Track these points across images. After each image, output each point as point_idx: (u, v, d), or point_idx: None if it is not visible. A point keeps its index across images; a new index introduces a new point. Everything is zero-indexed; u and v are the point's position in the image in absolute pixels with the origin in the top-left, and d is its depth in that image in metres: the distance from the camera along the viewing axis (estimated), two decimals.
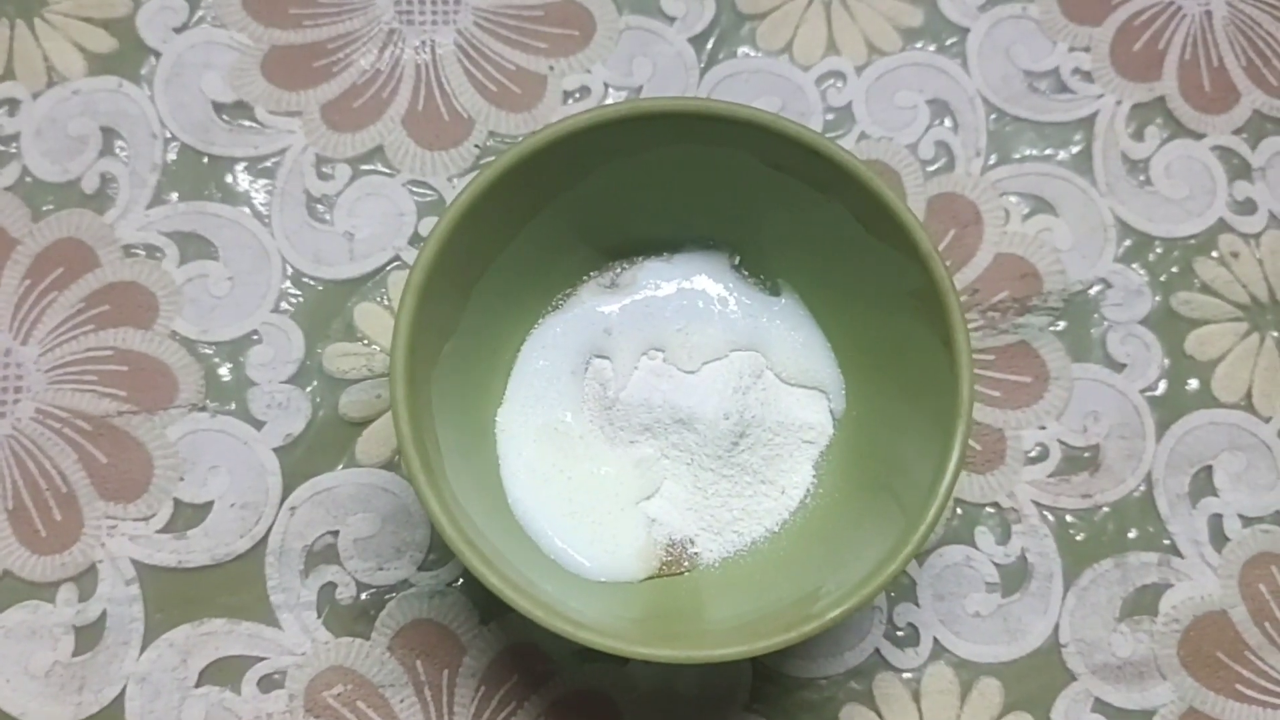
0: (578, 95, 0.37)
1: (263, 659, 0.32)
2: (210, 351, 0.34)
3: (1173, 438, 0.35)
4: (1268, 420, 0.35)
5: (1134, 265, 0.36)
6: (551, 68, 0.37)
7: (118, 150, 0.36)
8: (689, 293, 0.33)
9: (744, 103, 0.29)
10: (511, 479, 0.32)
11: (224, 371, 0.34)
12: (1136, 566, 0.34)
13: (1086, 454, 0.35)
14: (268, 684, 0.32)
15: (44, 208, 0.35)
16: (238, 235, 0.35)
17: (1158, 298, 0.36)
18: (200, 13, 0.37)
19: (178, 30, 0.37)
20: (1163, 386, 0.35)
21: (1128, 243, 0.36)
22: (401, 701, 0.32)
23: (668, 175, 0.31)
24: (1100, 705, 0.33)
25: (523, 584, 0.27)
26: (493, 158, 0.35)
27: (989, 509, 0.34)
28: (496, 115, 0.37)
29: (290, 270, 0.35)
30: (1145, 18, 0.39)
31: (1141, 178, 0.37)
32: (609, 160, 0.30)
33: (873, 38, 0.38)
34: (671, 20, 0.38)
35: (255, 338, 0.34)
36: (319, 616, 0.32)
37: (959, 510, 0.34)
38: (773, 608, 0.28)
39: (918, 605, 0.33)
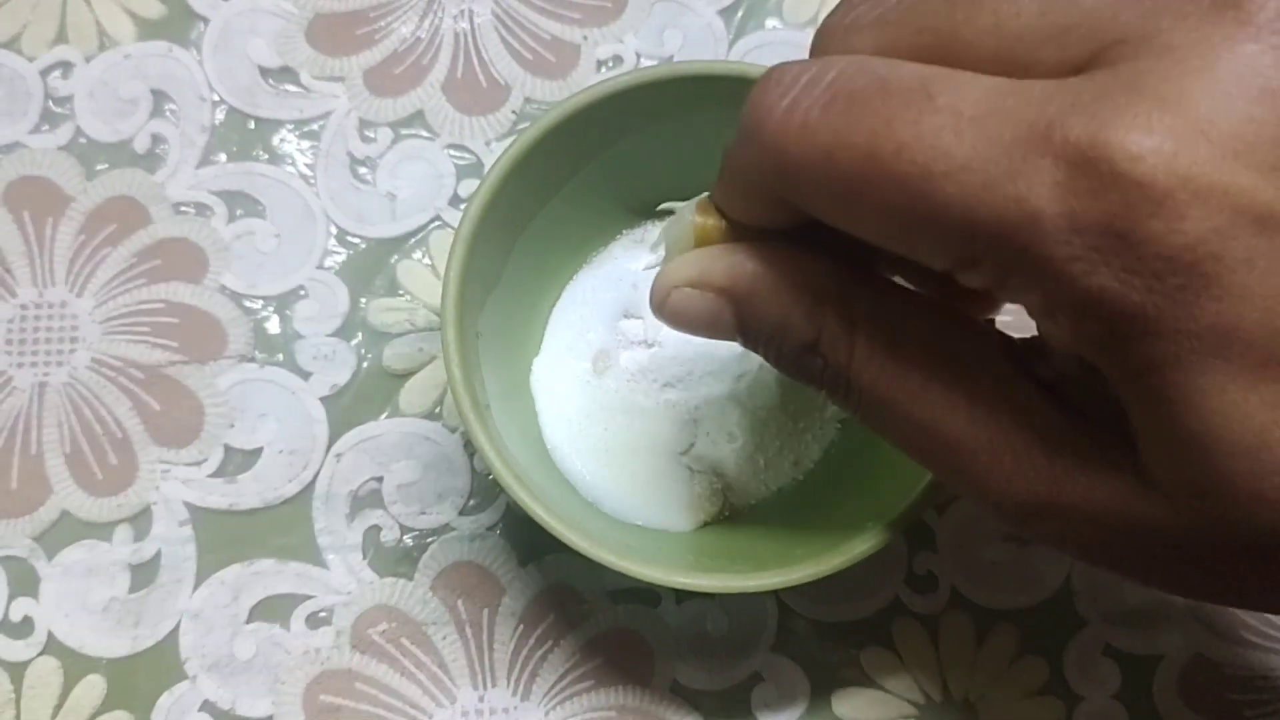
0: (610, 64, 0.38)
1: (310, 597, 0.34)
2: (258, 305, 0.36)
3: None
4: None
5: None
6: (585, 37, 0.39)
7: (168, 112, 0.37)
8: None
9: None
10: (549, 427, 0.33)
11: (271, 324, 0.36)
12: None
13: None
14: (315, 621, 0.33)
15: (97, 167, 0.37)
16: (284, 195, 0.37)
17: None
18: None
19: None
20: None
21: None
22: (444, 639, 0.33)
23: (701, 138, 0.32)
24: (1110, 650, 0.34)
25: (568, 519, 0.28)
26: (529, 123, 0.37)
27: None
28: (532, 82, 0.38)
29: (335, 229, 0.36)
30: None
31: None
32: (644, 123, 0.31)
33: None
34: None
35: (302, 293, 0.36)
36: (364, 558, 0.34)
37: None
38: (802, 548, 0.30)
39: (937, 553, 0.35)
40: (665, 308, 0.24)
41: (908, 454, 0.22)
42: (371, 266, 0.36)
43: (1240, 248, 0.15)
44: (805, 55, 0.38)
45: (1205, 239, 0.15)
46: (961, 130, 0.16)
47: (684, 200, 0.25)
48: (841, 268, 0.22)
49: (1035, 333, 0.20)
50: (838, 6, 0.20)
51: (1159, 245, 0.15)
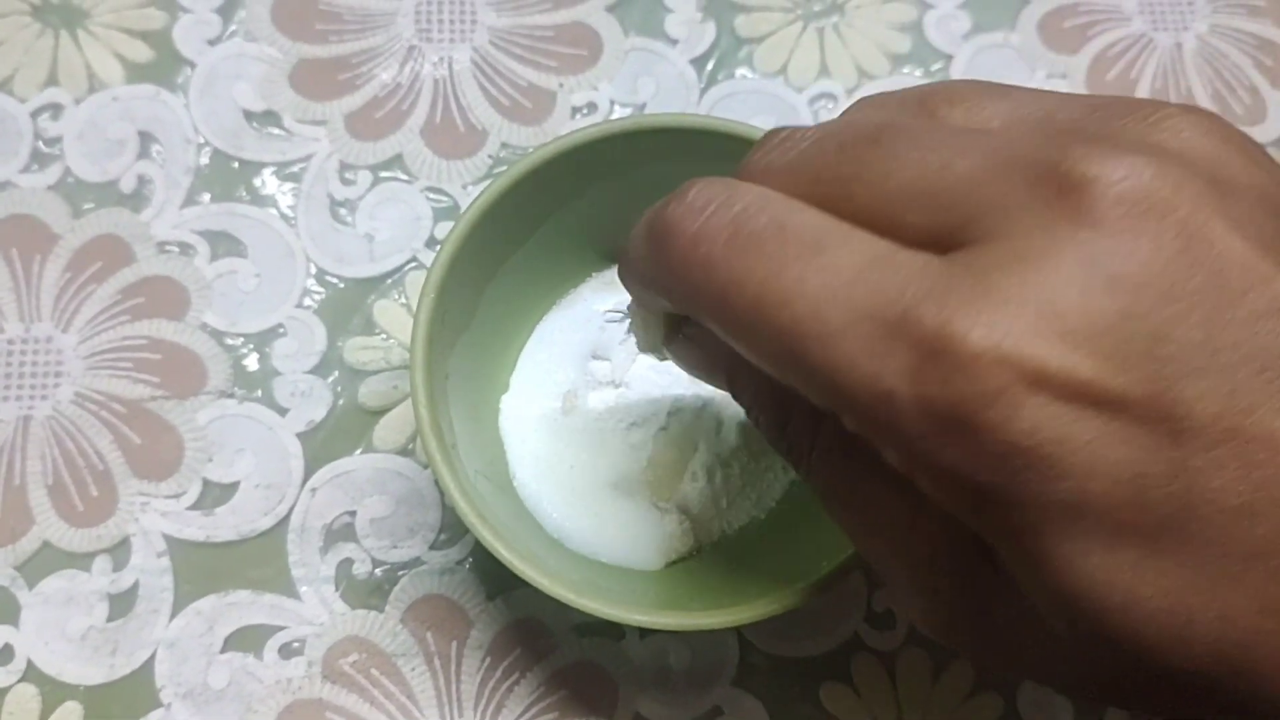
0: (585, 111, 0.40)
1: (283, 628, 0.34)
2: (238, 343, 0.37)
3: None
4: None
5: None
6: (561, 85, 0.40)
7: (154, 154, 0.38)
8: None
9: (741, 120, 0.31)
10: (517, 465, 0.34)
11: (250, 361, 0.37)
12: None
13: None
14: (288, 651, 0.34)
15: (84, 206, 0.38)
16: (265, 235, 0.38)
17: None
18: (233, 27, 0.40)
19: (211, 43, 0.40)
20: None
21: None
22: (412, 670, 0.34)
23: (669, 185, 0.33)
24: None
25: (530, 557, 0.29)
26: (505, 167, 0.38)
27: None
28: (509, 128, 0.39)
29: (314, 269, 0.38)
30: (1119, 49, 0.42)
31: None
32: (615, 171, 0.32)
33: (862, 62, 0.41)
34: (675, 42, 0.40)
35: (280, 330, 0.37)
36: (337, 590, 0.35)
37: None
38: (762, 584, 0.31)
39: None
40: (671, 356, 0.27)
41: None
42: (349, 306, 0.37)
43: (1083, 430, 0.16)
44: (774, 103, 0.40)
45: (1043, 425, 0.16)
46: (836, 296, 0.17)
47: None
48: None
49: None
50: (760, 144, 0.21)
51: (998, 433, 0.16)
